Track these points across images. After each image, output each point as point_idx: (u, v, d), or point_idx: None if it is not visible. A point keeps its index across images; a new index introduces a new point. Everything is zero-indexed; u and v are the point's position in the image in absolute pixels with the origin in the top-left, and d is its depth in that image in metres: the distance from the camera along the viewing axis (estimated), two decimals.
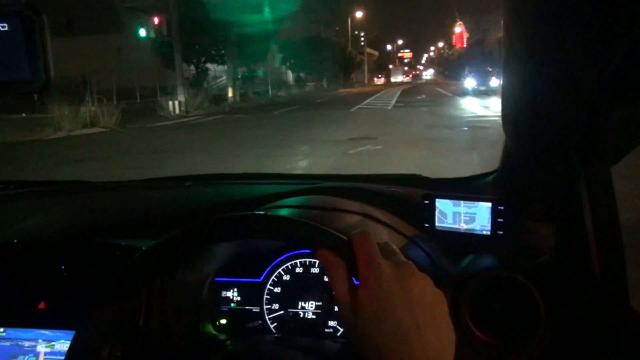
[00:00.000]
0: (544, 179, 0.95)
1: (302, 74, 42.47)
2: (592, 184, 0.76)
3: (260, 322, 1.01)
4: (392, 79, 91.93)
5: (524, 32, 0.64)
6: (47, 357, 0.98)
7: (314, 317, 1.01)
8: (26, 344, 0.98)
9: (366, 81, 76.16)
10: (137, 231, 1.13)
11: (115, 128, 14.21)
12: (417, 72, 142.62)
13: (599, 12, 0.53)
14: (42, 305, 0.98)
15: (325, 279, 1.01)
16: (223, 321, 1.01)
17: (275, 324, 1.02)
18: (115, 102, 19.21)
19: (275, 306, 1.03)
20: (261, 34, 24.73)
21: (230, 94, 25.05)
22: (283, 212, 1.06)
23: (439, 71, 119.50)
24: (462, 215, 1.06)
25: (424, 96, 27.82)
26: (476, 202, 1.05)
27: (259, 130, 12.53)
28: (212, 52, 24.76)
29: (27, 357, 0.99)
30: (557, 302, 0.88)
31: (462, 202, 1.06)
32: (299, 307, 1.01)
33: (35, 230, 1.24)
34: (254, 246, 1.00)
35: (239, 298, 1.05)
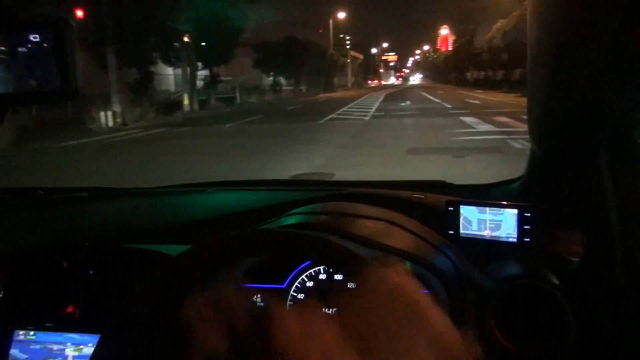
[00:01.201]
0: (571, 185, 0.93)
1: (278, 78, 39.25)
2: (620, 190, 0.75)
3: None
4: (384, 82, 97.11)
5: (550, 37, 0.64)
6: None
7: None
8: (55, 347, 1.02)
9: (350, 85, 73.19)
10: (163, 236, 1.15)
11: (4, 149, 10.88)
12: (404, 74, 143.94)
13: (626, 13, 0.53)
14: (70, 309, 1.02)
15: (349, 285, 0.98)
16: None
17: None
18: (34, 112, 15.88)
19: None
20: (223, 31, 21.51)
21: (186, 101, 21.72)
22: (301, 218, 1.03)
23: (426, 75, 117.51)
24: (488, 222, 1.02)
25: (408, 102, 24.71)
26: (502, 209, 1.01)
27: (177, 157, 9.23)
28: (168, 53, 21.40)
29: None
30: (586, 312, 0.86)
31: (487, 208, 1.02)
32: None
33: (63, 235, 1.25)
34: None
35: (262, 304, 0.98)
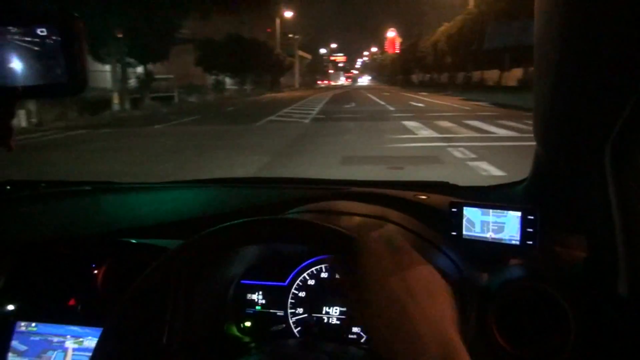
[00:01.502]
0: (575, 189, 0.92)
1: (222, 77, 37.85)
2: (625, 195, 0.76)
3: (284, 325, 1.02)
4: (333, 83, 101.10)
5: (556, 37, 0.63)
6: (76, 353, 1.03)
7: (338, 322, 1.02)
8: (55, 339, 1.03)
9: (297, 85, 72.44)
10: (165, 231, 1.15)
11: None
12: (352, 75, 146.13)
13: (634, 13, 0.53)
14: (72, 302, 1.04)
15: None
16: (248, 324, 1.02)
17: (299, 328, 1.02)
18: None
19: (300, 310, 1.03)
20: (156, 26, 20.10)
21: (115, 100, 20.16)
22: (306, 216, 1.05)
23: (374, 76, 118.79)
24: (491, 224, 1.01)
25: (353, 104, 24.16)
26: (505, 211, 1.00)
27: (75, 167, 8.10)
28: (96, 47, 19.72)
29: (56, 352, 1.04)
30: (588, 316, 0.85)
31: (490, 210, 1.01)
32: (323, 312, 1.02)
33: (66, 229, 1.25)
34: (280, 250, 1.00)
35: (264, 301, 1.05)
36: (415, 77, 61.01)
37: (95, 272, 1.06)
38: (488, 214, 1.01)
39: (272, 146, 9.54)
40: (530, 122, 0.86)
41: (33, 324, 1.05)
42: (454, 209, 1.03)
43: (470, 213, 1.02)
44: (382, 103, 24.74)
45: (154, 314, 0.67)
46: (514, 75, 29.39)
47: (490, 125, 11.73)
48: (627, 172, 0.74)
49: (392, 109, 20.24)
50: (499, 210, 1.00)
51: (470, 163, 7.12)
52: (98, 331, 0.98)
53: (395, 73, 71.15)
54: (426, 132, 11.14)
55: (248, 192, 1.46)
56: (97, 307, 1.00)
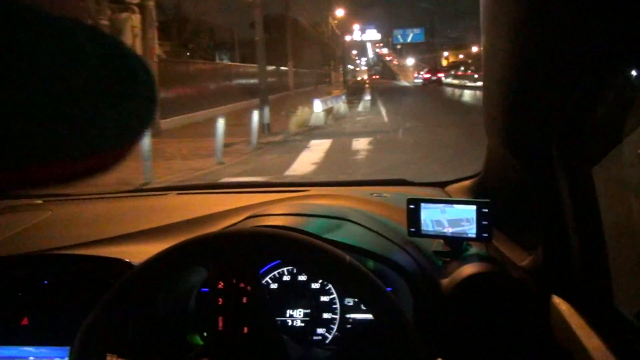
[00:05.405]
0: (526, 183, 0.94)
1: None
2: (574, 185, 0.77)
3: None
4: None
5: (504, 34, 0.66)
6: None
7: (302, 324, 1.03)
8: None
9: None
10: (121, 243, 1.14)
11: None
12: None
13: (581, 11, 0.54)
14: (25, 322, 0.99)
15: (313, 286, 1.04)
16: None
17: None
18: None
19: None
20: None
21: None
22: (267, 221, 1.07)
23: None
24: (447, 218, 1.05)
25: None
26: (460, 205, 1.03)
27: None
28: None
29: None
30: (543, 306, 0.88)
31: (446, 205, 1.05)
32: (287, 315, 1.03)
33: (15, 245, 1.20)
34: None
35: None
36: None
37: (49, 288, 1.02)
38: (444, 209, 1.03)
39: None
40: None
41: None
42: (411, 206, 1.04)
43: (427, 209, 1.04)
44: None
45: (115, 327, 0.69)
46: None
47: None
48: (574, 164, 0.75)
49: None
50: (454, 205, 1.02)
51: None
52: (54, 350, 0.97)
53: None
54: None
55: (207, 198, 1.46)
56: (52, 325, 0.97)
